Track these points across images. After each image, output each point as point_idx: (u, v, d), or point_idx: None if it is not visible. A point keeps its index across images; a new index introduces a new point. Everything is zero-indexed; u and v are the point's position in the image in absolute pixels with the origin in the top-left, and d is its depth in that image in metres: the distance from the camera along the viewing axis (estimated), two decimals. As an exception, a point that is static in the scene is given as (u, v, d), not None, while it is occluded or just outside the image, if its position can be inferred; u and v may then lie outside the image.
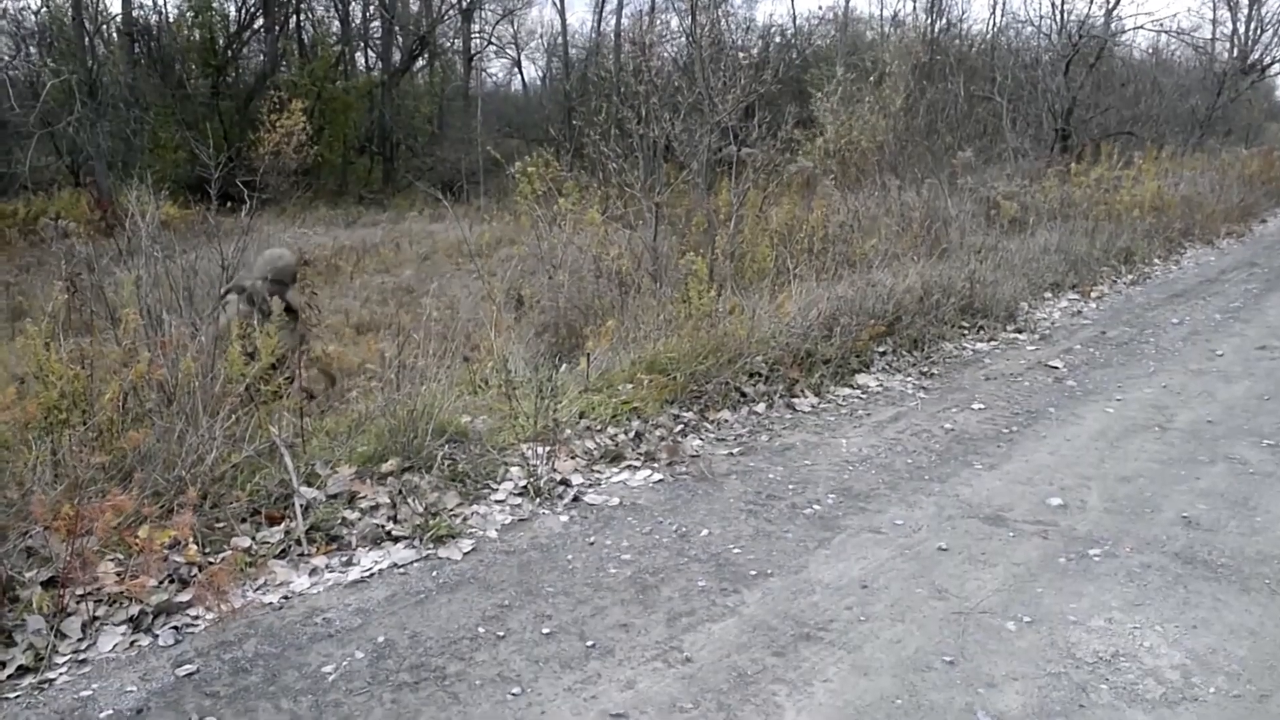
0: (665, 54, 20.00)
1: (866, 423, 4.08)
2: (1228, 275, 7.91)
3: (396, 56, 24.68)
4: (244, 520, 2.96)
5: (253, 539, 2.88)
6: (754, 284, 5.95)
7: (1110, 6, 15.03)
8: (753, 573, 2.71)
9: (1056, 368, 4.90)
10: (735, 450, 3.72)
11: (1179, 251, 8.95)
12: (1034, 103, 14.44)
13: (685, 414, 4.01)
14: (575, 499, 3.27)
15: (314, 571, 2.80)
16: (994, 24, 17.01)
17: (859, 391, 4.50)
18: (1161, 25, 20.63)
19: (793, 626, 2.42)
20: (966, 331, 5.54)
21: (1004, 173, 11.27)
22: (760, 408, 4.20)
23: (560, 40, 28.71)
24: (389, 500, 3.13)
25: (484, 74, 31.44)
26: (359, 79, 22.71)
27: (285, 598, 2.64)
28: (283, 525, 2.97)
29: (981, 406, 4.26)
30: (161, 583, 2.60)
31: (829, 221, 6.40)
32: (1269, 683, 2.16)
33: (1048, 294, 6.63)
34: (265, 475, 3.12)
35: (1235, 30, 22.58)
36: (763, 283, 5.80)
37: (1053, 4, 15.43)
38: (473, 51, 28.20)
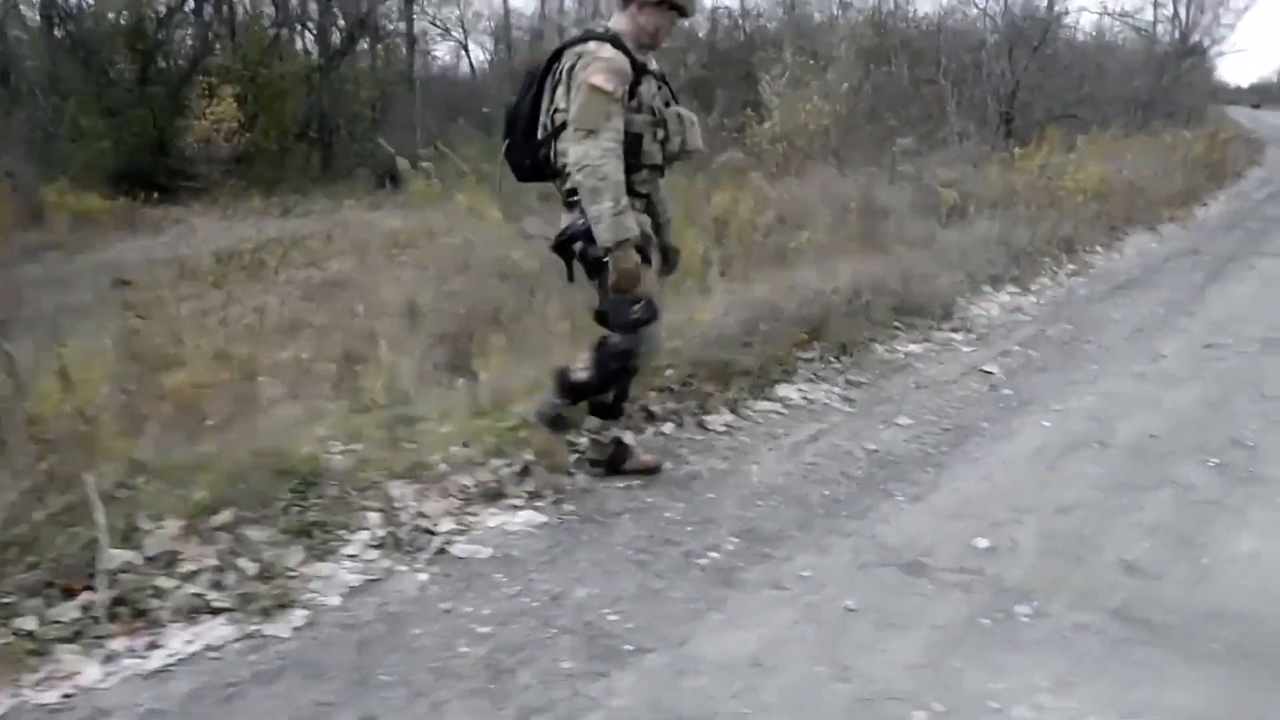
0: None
1: (784, 444, 3.66)
2: (1170, 264, 7.64)
3: (338, 40, 23.90)
4: (36, 595, 2.48)
5: (41, 618, 2.40)
6: (679, 283, 5.52)
7: (1054, -12, 14.77)
8: (629, 648, 2.28)
9: (992, 373, 4.53)
10: (634, 482, 3.29)
11: (1121, 238, 8.66)
12: (979, 86, 14.16)
13: (580, 440, 3.57)
14: (441, 550, 2.82)
15: (110, 658, 2.31)
16: (940, 6, 16.69)
17: (780, 405, 4.09)
18: (1105, 8, 20.44)
19: (665, 726, 2.00)
20: (900, 332, 5.16)
21: (947, 158, 10.94)
22: (669, 428, 3.77)
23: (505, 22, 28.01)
24: (217, 561, 2.66)
25: (430, 57, 30.63)
26: (295, 63, 21.83)
27: (67, 695, 2.17)
28: (82, 599, 2.49)
29: (909, 421, 3.87)
30: (-95, 687, 2.11)
31: (760, 215, 5.98)
32: (1224, 794, 1.79)
33: (987, 288, 6.27)
34: (71, 537, 2.63)
35: (1175, 13, 22.54)
36: (687, 282, 5.39)
37: (997, -14, 15.19)
38: (415, 34, 27.42)
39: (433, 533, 2.91)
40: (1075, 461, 3.43)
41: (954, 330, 5.33)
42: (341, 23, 23.88)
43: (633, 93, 2.92)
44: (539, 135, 3.07)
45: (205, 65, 19.66)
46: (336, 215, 16.14)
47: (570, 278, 3.19)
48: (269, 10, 22.56)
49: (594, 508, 3.08)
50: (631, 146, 2.91)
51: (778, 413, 4.02)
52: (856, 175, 8.08)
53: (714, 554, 2.75)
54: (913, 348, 4.99)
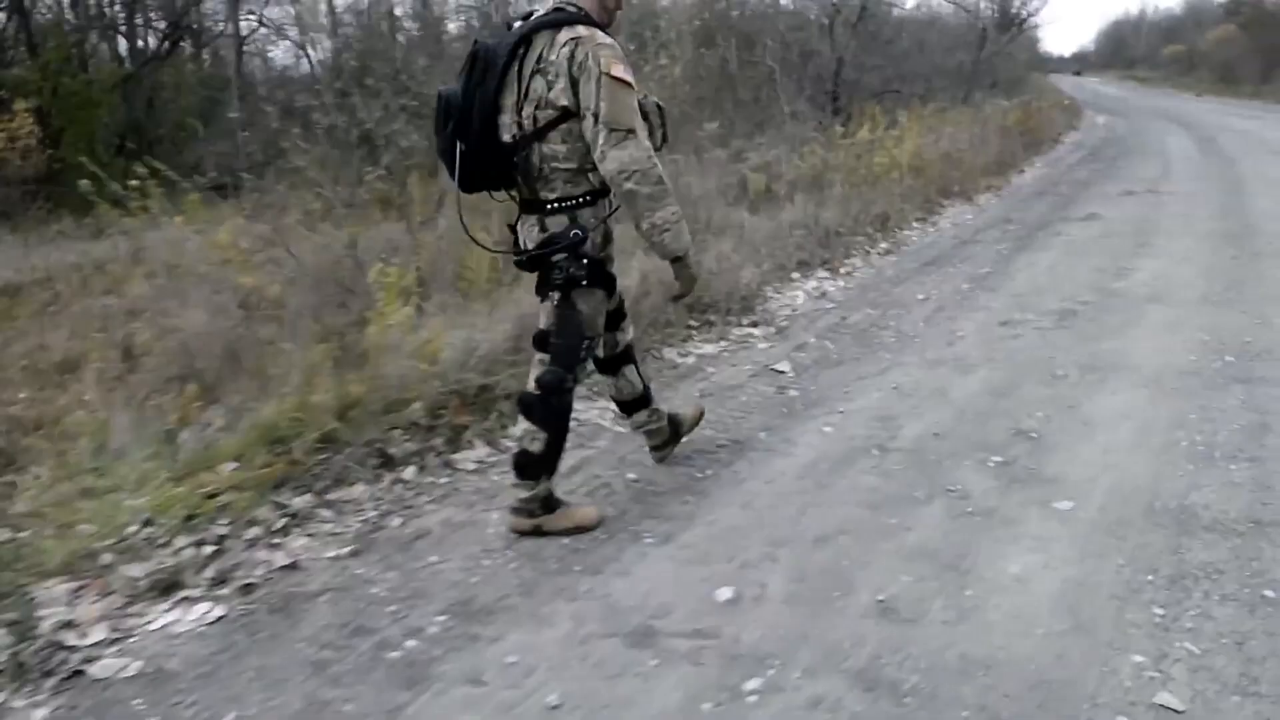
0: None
1: (539, 480, 3.21)
2: (982, 235, 7.55)
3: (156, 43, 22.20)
4: None
5: None
6: (478, 294, 5.05)
7: (871, -35, 14.74)
8: (261, 799, 1.78)
9: (782, 372, 4.19)
10: (347, 549, 2.77)
11: (938, 212, 8.58)
12: (808, 65, 14.06)
13: (296, 500, 3.03)
14: (76, 672, 2.25)
15: None
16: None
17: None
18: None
19: None
20: (694, 331, 4.78)
21: (773, 140, 10.72)
22: (409, 473, 3.26)
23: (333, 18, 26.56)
24: None
25: (267, 59, 28.94)
26: (103, 71, 20.12)
27: None
28: None
29: (684, 439, 3.47)
30: None
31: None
32: None
33: (795, 274, 5.98)
34: None
35: (993, -13, 23.17)
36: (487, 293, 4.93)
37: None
38: (243, 34, 25.78)
39: (74, 648, 2.33)
40: (849, 474, 3.09)
41: (754, 325, 4.98)
42: (165, 25, 22.21)
43: None
44: (509, 135, 2.57)
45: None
46: (154, 234, 14.87)
47: (537, 289, 2.75)
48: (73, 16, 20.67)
49: (288, 590, 2.55)
50: None
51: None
52: (673, 164, 7.70)
53: (413, 641, 2.27)
54: (707, 348, 4.61)
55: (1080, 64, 63.25)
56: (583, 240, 2.54)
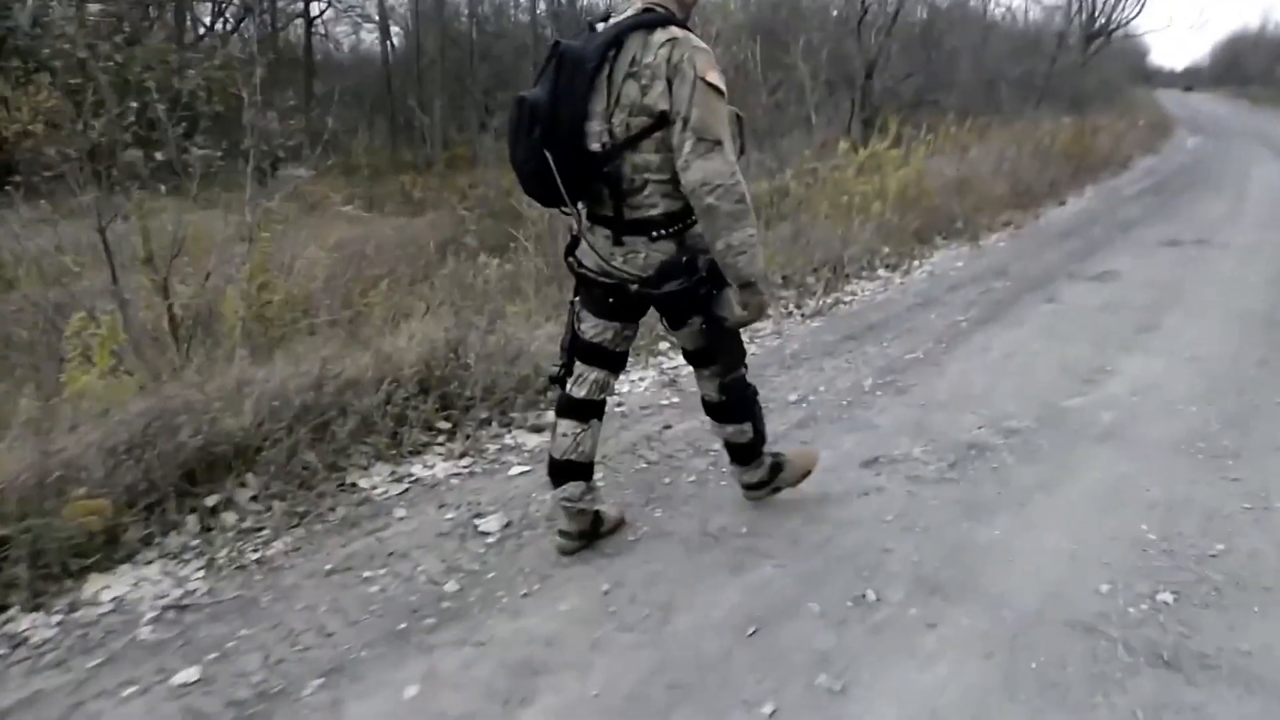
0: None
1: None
2: (954, 294, 5.90)
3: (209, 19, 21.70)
4: None
5: None
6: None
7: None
8: None
9: (486, 535, 2.78)
10: None
11: (923, 255, 6.93)
12: (834, 69, 12.38)
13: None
14: None
15: None
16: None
17: (56, 622, 2.33)
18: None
19: None
20: (439, 440, 3.40)
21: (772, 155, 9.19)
22: None
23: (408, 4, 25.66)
24: None
25: (339, 41, 28.39)
26: (151, 47, 19.61)
27: None
28: None
29: (190, 680, 2.11)
30: None
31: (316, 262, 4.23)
32: None
33: (665, 344, 4.52)
34: None
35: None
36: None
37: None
38: (313, 15, 25.19)
39: None
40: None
41: (535, 429, 3.57)
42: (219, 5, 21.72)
43: None
44: (599, 144, 2.31)
45: (19, 44, 17.51)
46: (160, 217, 14.15)
47: (673, 323, 2.56)
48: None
49: None
50: None
51: (60, 634, 2.26)
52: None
53: None
54: (438, 469, 3.23)
55: (1193, 80, 58.54)
56: (695, 260, 2.34)
